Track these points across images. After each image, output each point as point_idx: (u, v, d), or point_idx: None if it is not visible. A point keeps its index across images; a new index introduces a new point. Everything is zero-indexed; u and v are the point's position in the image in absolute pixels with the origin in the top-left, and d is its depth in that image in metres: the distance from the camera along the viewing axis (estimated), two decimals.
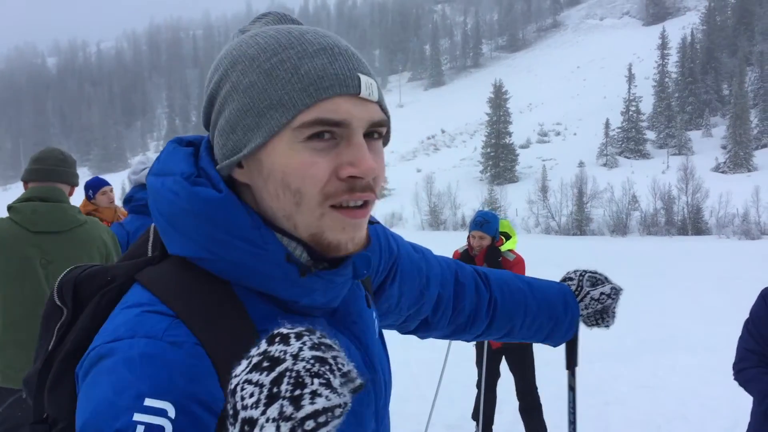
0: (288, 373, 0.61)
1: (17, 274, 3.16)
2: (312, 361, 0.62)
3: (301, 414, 0.59)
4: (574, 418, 1.66)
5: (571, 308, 1.57)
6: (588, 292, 1.58)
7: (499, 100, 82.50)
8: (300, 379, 0.60)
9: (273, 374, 0.61)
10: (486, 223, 5.24)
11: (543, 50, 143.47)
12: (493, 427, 5.62)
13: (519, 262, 5.27)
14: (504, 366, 5.48)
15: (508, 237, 5.50)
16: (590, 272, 1.61)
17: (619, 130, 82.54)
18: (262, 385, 0.61)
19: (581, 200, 62.72)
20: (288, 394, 0.60)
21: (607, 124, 79.96)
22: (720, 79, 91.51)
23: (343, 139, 0.86)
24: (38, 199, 3.29)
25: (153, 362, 0.76)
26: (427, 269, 1.35)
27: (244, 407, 0.61)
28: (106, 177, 6.34)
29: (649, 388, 7.21)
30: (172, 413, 0.73)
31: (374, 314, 1.10)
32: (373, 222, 1.21)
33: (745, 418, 3.20)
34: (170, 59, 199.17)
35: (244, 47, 0.90)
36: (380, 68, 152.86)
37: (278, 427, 0.59)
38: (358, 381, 0.64)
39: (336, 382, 0.61)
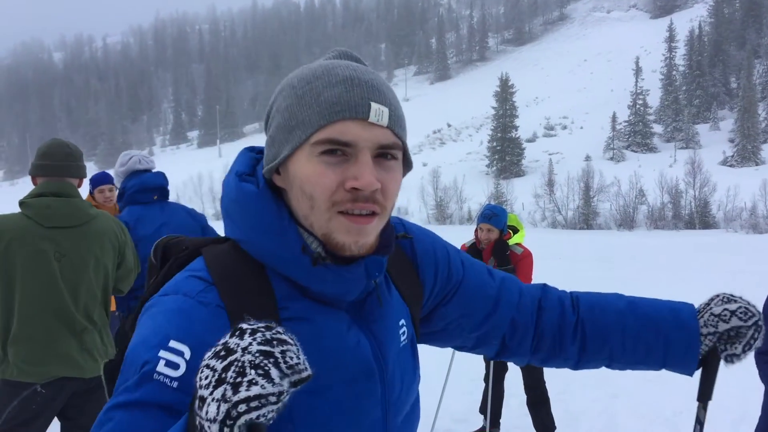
0: (235, 363, 0.73)
1: (33, 269, 3.17)
2: (257, 354, 0.73)
3: (236, 398, 0.71)
4: None
5: (686, 325, 1.38)
6: (710, 308, 1.38)
7: (505, 93, 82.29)
8: (242, 369, 0.72)
9: (224, 363, 0.74)
10: (494, 216, 5.24)
11: (550, 43, 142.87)
12: (501, 420, 5.63)
13: (527, 255, 5.26)
14: None
15: (515, 231, 5.49)
16: (727, 294, 1.42)
17: (626, 123, 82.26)
18: (215, 370, 0.74)
19: (588, 194, 62.54)
20: (231, 380, 0.72)
21: (614, 118, 79.68)
22: (728, 72, 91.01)
23: (351, 156, 1.02)
24: (51, 194, 3.29)
25: (182, 315, 0.99)
26: (497, 294, 1.40)
27: (200, 387, 0.74)
28: (113, 171, 6.35)
29: (656, 381, 7.19)
30: (188, 355, 0.94)
31: (402, 323, 1.23)
32: (410, 237, 1.28)
33: (753, 411, 3.19)
34: (176, 54, 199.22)
35: (291, 76, 1.10)
36: (386, 62, 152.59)
37: (218, 407, 0.71)
38: (305, 373, 0.75)
39: (275, 373, 0.72)
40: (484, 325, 1.40)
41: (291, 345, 0.76)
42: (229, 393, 0.71)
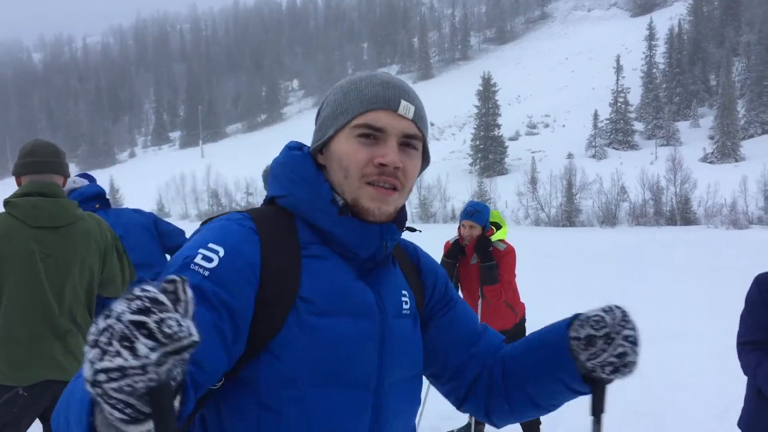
0: (108, 329, 0.73)
1: (20, 269, 3.10)
2: (128, 324, 0.72)
3: (98, 366, 0.71)
4: None
5: (564, 354, 1.35)
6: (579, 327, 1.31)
7: (487, 92, 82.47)
8: (110, 339, 0.72)
9: (102, 326, 0.73)
10: (477, 212, 5.23)
11: (531, 42, 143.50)
12: None
13: (510, 251, 5.26)
14: None
15: (498, 227, 5.49)
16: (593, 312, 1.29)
17: (608, 121, 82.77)
18: (96, 331, 0.73)
19: (570, 192, 62.88)
20: (101, 346, 0.72)
21: (595, 116, 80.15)
22: (707, 69, 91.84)
23: (381, 140, 1.30)
24: (37, 194, 3.22)
25: (223, 229, 1.24)
26: (483, 331, 1.57)
27: (87, 341, 0.75)
28: (94, 173, 6.26)
29: (640, 376, 7.21)
30: (222, 253, 1.16)
31: (404, 293, 1.43)
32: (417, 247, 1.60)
33: (735, 405, 3.21)
34: (157, 54, 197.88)
35: (343, 81, 1.41)
36: (368, 61, 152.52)
37: (89, 369, 0.72)
38: (186, 341, 0.74)
39: (142, 346, 0.71)
40: (466, 354, 1.52)
41: (170, 312, 0.75)
42: (96, 358, 0.72)
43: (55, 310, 3.16)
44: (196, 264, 1.13)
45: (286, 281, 1.22)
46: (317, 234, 1.32)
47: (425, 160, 1.43)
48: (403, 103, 1.32)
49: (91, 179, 5.56)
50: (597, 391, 1.32)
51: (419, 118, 1.36)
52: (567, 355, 1.32)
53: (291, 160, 1.37)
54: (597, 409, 1.33)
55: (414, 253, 1.58)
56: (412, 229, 1.47)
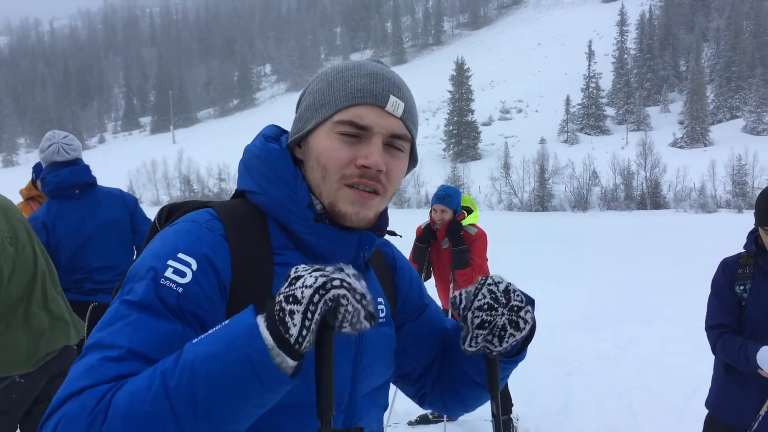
0: (336, 269, 0.94)
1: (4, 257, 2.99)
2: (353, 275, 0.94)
3: (333, 276, 0.92)
4: None
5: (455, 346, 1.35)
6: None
7: (461, 77, 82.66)
8: (342, 269, 0.94)
9: (324, 270, 0.94)
10: (448, 197, 5.22)
11: (504, 27, 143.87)
12: None
13: (481, 236, 5.26)
14: None
15: (470, 212, 5.49)
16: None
17: (580, 106, 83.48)
18: (316, 269, 0.93)
19: (543, 177, 63.41)
20: (329, 271, 0.93)
21: (567, 101, 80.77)
22: (677, 55, 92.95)
23: (365, 139, 1.17)
24: None
25: (191, 234, 1.12)
26: (454, 330, 1.44)
27: (296, 271, 0.94)
28: None
29: (609, 358, 7.32)
30: (194, 266, 1.07)
31: (380, 301, 1.33)
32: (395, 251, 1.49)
33: (703, 385, 3.25)
34: (126, 38, 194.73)
35: (326, 68, 1.27)
36: (341, 46, 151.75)
37: (317, 279, 0.91)
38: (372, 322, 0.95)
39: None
40: (435, 356, 1.47)
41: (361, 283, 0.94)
42: (328, 272, 0.92)
43: (36, 287, 3.07)
44: (167, 279, 1.05)
45: (256, 295, 1.10)
46: (290, 238, 1.21)
47: (412, 160, 1.31)
48: (392, 98, 1.19)
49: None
50: (488, 368, 1.29)
51: (409, 116, 1.23)
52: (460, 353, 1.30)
53: (267, 154, 1.23)
54: (491, 385, 1.30)
55: (390, 253, 1.48)
56: (393, 233, 1.37)
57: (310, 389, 1.06)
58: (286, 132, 1.32)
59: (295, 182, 1.20)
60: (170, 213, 1.27)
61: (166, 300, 1.03)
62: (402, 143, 1.22)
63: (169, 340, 1.00)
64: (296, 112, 1.29)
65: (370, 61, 1.27)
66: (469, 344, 1.21)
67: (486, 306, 1.19)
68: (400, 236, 1.46)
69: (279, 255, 1.18)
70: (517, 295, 1.20)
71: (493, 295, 1.19)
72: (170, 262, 1.06)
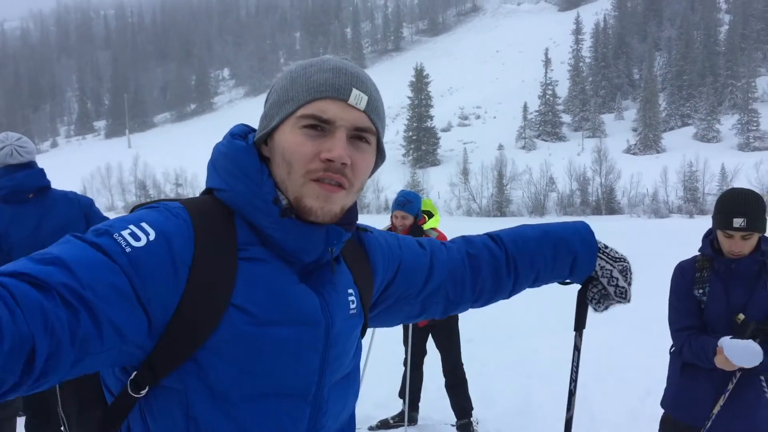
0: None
1: None
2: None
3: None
4: (576, 376, 1.85)
5: (588, 245, 1.67)
6: (613, 273, 1.69)
7: (420, 83, 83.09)
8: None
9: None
10: (408, 203, 5.24)
11: (463, 34, 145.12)
12: (420, 404, 5.68)
13: (442, 240, 5.30)
14: (430, 344, 5.54)
15: (430, 215, 5.53)
16: (624, 260, 1.73)
17: (537, 113, 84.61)
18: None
19: (501, 182, 64.04)
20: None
21: (525, 108, 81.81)
22: (631, 63, 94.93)
23: (329, 133, 1.17)
24: None
25: (159, 215, 1.12)
26: (431, 261, 1.56)
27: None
28: None
29: (567, 361, 7.41)
30: (152, 237, 1.06)
31: (350, 293, 1.34)
32: (369, 230, 1.49)
33: (658, 386, 3.32)
34: (80, 40, 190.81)
35: (292, 65, 1.28)
36: (301, 51, 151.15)
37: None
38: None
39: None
40: (424, 290, 1.55)
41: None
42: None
43: None
44: (120, 235, 1.04)
45: (217, 287, 1.10)
46: (257, 234, 1.20)
47: (380, 156, 1.32)
48: (355, 92, 1.19)
49: None
50: (582, 310, 1.74)
51: (373, 110, 1.23)
52: (595, 257, 1.70)
53: (233, 151, 1.22)
54: (580, 325, 1.77)
55: (356, 238, 1.46)
56: (364, 229, 1.40)
57: (280, 380, 1.16)
58: (254, 130, 1.32)
59: (260, 178, 1.19)
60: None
61: (112, 252, 1.01)
62: (367, 136, 1.22)
63: (99, 268, 0.98)
64: (264, 110, 1.29)
65: (334, 57, 1.27)
66: (598, 302, 1.72)
67: (612, 280, 1.69)
68: (371, 231, 1.48)
69: (244, 250, 1.17)
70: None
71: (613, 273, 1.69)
72: (131, 226, 1.07)
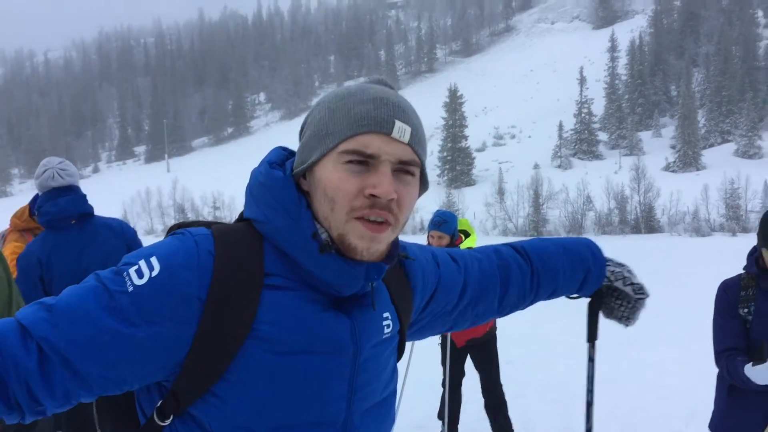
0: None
1: None
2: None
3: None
4: (592, 387, 1.95)
5: (598, 259, 1.73)
6: (623, 273, 1.76)
7: (454, 104, 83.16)
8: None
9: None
10: (444, 222, 5.21)
11: (496, 54, 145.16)
12: (459, 425, 5.62)
13: None
14: (468, 365, 5.49)
15: (467, 235, 5.50)
16: (629, 271, 1.79)
17: (572, 131, 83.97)
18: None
19: (537, 202, 63.55)
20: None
21: (560, 126, 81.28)
22: (668, 80, 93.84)
23: (373, 167, 1.12)
24: None
25: (177, 244, 1.12)
26: (465, 276, 1.56)
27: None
28: None
29: (609, 382, 7.30)
30: (155, 272, 1.06)
31: (386, 316, 1.30)
32: (411, 258, 1.40)
33: (703, 408, 3.25)
34: (121, 68, 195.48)
35: (328, 94, 1.23)
36: (335, 74, 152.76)
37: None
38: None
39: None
40: (458, 306, 1.55)
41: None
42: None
43: None
44: (128, 274, 1.07)
45: (236, 317, 1.09)
46: (289, 265, 1.17)
47: (423, 184, 1.26)
48: (398, 124, 1.14)
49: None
50: (593, 318, 1.83)
51: (417, 141, 1.18)
52: (604, 274, 1.76)
53: (271, 182, 1.18)
54: (593, 336, 1.87)
55: (406, 262, 1.42)
56: (405, 257, 1.35)
57: (306, 410, 1.14)
58: (292, 153, 1.28)
59: (298, 212, 1.15)
60: (180, 227, 1.26)
61: (116, 290, 1.06)
62: (412, 168, 1.18)
63: (85, 320, 1.03)
64: (299, 141, 1.24)
65: (373, 84, 1.23)
66: (628, 318, 1.80)
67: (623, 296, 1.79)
68: (413, 259, 1.41)
69: (270, 277, 1.15)
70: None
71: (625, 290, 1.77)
72: (140, 261, 1.08)
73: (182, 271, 1.08)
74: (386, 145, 1.13)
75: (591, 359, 1.92)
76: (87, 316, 1.03)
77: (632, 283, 1.73)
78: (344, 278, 1.16)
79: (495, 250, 1.69)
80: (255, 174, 1.23)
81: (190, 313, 1.07)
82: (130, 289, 1.05)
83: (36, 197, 4.41)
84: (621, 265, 1.77)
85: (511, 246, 1.72)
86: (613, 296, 1.77)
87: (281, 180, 1.18)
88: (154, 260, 1.08)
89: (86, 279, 1.09)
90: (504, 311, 1.68)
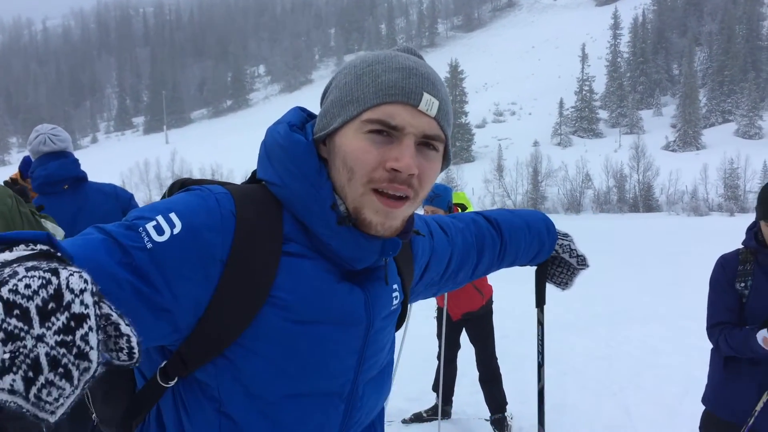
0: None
1: None
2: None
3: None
4: (542, 349, 2.07)
5: (551, 234, 1.90)
6: (570, 246, 1.93)
7: (455, 80, 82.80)
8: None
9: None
10: (436, 197, 5.15)
11: (498, 30, 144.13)
12: (453, 398, 5.65)
13: None
14: (464, 338, 5.50)
15: (464, 208, 5.48)
16: (571, 243, 1.95)
17: (573, 109, 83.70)
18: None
19: (536, 179, 63.56)
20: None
21: (561, 104, 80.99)
22: (670, 59, 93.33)
23: (396, 139, 1.08)
24: None
25: (197, 201, 1.04)
26: (452, 246, 1.61)
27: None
28: None
29: (603, 358, 7.34)
30: (177, 229, 0.98)
31: (395, 288, 1.30)
32: (422, 234, 1.38)
33: (697, 385, 3.26)
34: (120, 38, 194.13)
35: (354, 59, 1.18)
36: (335, 47, 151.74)
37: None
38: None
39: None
40: (445, 275, 1.61)
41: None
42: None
43: None
44: (145, 229, 0.97)
45: (255, 281, 1.05)
46: (303, 231, 1.13)
47: (445, 160, 1.22)
48: (426, 96, 1.09)
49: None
50: (542, 288, 2.00)
51: (444, 115, 1.14)
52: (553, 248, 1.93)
53: (292, 146, 1.13)
54: (541, 301, 2.02)
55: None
56: (417, 233, 1.31)
57: (317, 380, 1.11)
58: (312, 116, 1.24)
59: (319, 180, 1.11)
60: (183, 187, 1.17)
61: (133, 245, 0.95)
62: (436, 143, 1.13)
63: (101, 270, 0.88)
64: (321, 106, 1.19)
65: (402, 53, 1.17)
66: (566, 283, 1.95)
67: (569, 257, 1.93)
68: (424, 236, 1.41)
69: (288, 244, 1.10)
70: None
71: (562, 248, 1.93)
72: (158, 217, 0.99)
73: (206, 231, 1.01)
74: (412, 118, 1.08)
75: (540, 323, 2.07)
76: (100, 270, 0.88)
77: (577, 255, 1.92)
78: (359, 252, 1.13)
79: (473, 219, 1.76)
80: (273, 134, 1.17)
81: (211, 275, 1.01)
82: (149, 245, 0.96)
83: (26, 160, 4.41)
84: (566, 235, 1.95)
85: (484, 216, 1.80)
86: (555, 264, 1.96)
87: (304, 145, 1.13)
88: (174, 217, 1.00)
89: (85, 232, 0.98)
90: (474, 278, 1.76)
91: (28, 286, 0.63)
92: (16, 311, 0.61)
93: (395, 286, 1.29)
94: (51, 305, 0.63)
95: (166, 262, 0.96)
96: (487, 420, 5.41)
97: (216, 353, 1.04)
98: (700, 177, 55.41)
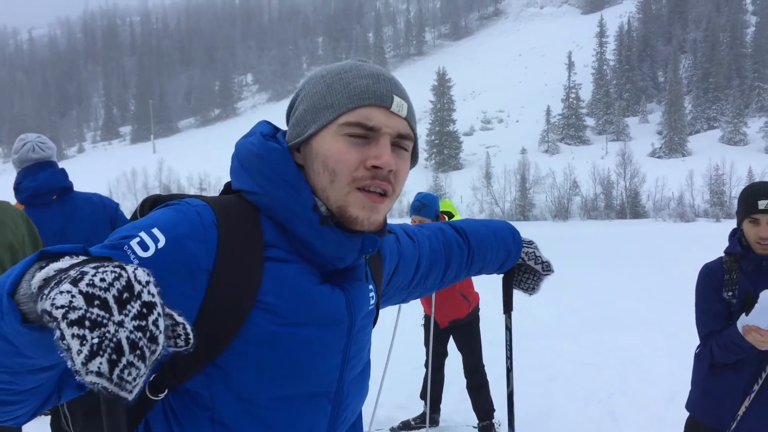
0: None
1: None
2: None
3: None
4: (511, 354, 2.19)
5: (517, 242, 1.97)
6: (535, 253, 1.99)
7: (442, 87, 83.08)
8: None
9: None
10: (423, 207, 5.17)
11: (485, 38, 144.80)
12: (441, 405, 5.65)
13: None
14: (451, 346, 5.51)
15: (450, 216, 5.50)
16: (535, 250, 2.02)
17: (560, 116, 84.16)
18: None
19: (524, 186, 63.79)
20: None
21: (548, 111, 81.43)
22: (655, 66, 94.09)
23: (373, 140, 1.15)
24: None
25: (178, 215, 1.06)
26: (419, 252, 1.66)
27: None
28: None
29: (591, 364, 7.36)
30: (161, 244, 1.00)
31: (371, 288, 1.34)
32: (393, 232, 1.54)
33: (684, 391, 3.27)
34: (106, 47, 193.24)
35: (319, 70, 1.25)
36: (323, 56, 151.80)
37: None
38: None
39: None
40: (413, 281, 1.65)
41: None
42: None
43: None
44: (130, 247, 0.98)
45: (242, 288, 1.07)
46: (283, 235, 1.17)
47: (413, 159, 1.30)
48: (396, 99, 1.18)
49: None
50: (509, 294, 2.06)
51: (412, 116, 1.23)
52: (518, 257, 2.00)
53: (270, 155, 1.17)
54: (509, 308, 2.09)
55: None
56: (390, 231, 1.42)
57: (305, 381, 1.15)
58: (279, 130, 1.28)
59: (299, 184, 1.15)
60: (155, 204, 1.20)
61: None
62: (406, 143, 1.21)
63: None
64: (290, 117, 1.25)
65: (361, 62, 1.25)
66: (533, 288, 2.01)
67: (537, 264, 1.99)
68: (394, 233, 1.53)
69: (270, 250, 1.14)
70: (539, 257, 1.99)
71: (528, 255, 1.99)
72: (141, 233, 1.00)
73: (189, 242, 1.04)
74: (387, 119, 1.15)
75: (508, 329, 2.17)
76: None
77: (542, 262, 1.98)
78: (342, 251, 1.17)
79: (440, 228, 1.81)
80: (246, 145, 1.21)
81: (198, 285, 1.04)
82: (136, 262, 0.96)
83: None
84: (530, 243, 2.02)
85: (451, 226, 1.85)
86: (521, 271, 2.02)
87: (280, 152, 1.17)
88: (156, 231, 1.01)
89: None
90: (444, 285, 1.82)
91: (103, 280, 0.72)
92: (97, 301, 0.71)
93: (371, 287, 1.33)
94: (125, 294, 0.73)
95: (154, 276, 0.92)
96: (474, 427, 5.42)
97: (207, 362, 1.06)
98: (686, 183, 55.82)
